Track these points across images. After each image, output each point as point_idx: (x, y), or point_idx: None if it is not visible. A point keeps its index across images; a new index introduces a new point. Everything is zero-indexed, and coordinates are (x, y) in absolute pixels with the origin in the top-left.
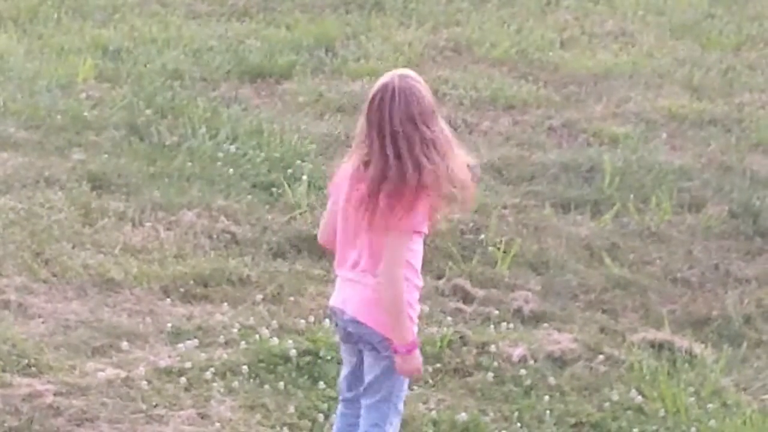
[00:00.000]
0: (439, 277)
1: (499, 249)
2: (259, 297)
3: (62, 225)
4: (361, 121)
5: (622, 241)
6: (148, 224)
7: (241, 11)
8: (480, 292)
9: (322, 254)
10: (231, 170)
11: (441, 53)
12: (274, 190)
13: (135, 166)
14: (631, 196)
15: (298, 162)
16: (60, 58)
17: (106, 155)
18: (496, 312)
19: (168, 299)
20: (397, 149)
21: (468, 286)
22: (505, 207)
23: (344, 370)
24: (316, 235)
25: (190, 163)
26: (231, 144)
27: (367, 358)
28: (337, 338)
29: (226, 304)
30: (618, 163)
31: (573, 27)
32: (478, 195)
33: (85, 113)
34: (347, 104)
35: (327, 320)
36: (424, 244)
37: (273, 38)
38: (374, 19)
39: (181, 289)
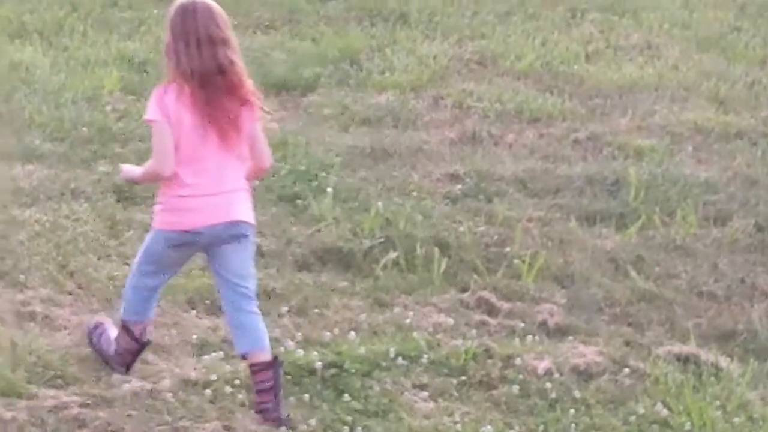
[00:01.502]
0: (464, 290)
1: (524, 262)
2: (284, 309)
3: (88, 237)
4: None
5: (647, 254)
6: None
7: (266, 24)
8: (505, 305)
9: (347, 266)
10: (256, 182)
11: (466, 66)
12: (299, 202)
13: None
14: (657, 209)
15: (323, 174)
16: (86, 70)
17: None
18: (522, 325)
19: (193, 311)
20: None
21: (493, 298)
22: (530, 220)
23: (173, 267)
24: (341, 248)
25: None
26: None
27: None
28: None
29: None
30: (643, 176)
31: (598, 40)
32: (503, 208)
33: (111, 125)
34: (372, 117)
35: (352, 332)
36: (448, 256)
37: (298, 51)
38: (399, 31)
39: (207, 301)
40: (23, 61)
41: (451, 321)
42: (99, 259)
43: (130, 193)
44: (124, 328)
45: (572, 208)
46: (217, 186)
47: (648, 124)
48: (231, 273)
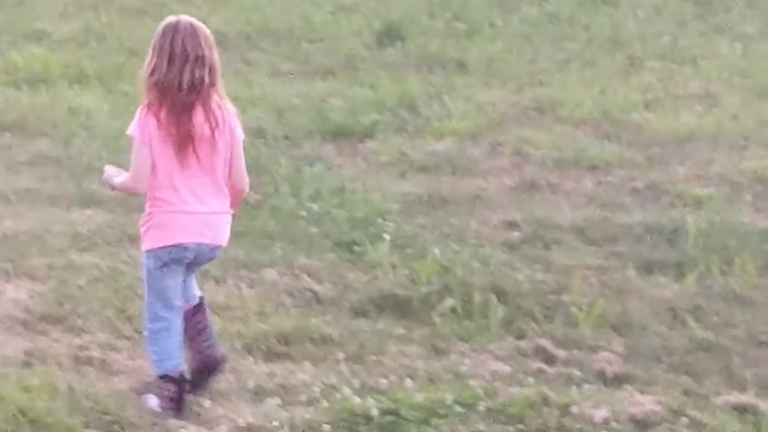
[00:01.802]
0: (521, 338)
1: (581, 310)
2: (341, 356)
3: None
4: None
5: (705, 303)
6: (230, 282)
7: (324, 70)
8: (562, 353)
9: (404, 313)
10: (313, 228)
11: (524, 113)
12: (356, 248)
13: None
14: (715, 257)
15: (380, 221)
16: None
17: None
18: (579, 373)
19: (250, 357)
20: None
21: (550, 346)
22: (588, 268)
23: (177, 292)
24: (398, 294)
25: (272, 221)
26: (314, 202)
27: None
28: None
29: (307, 362)
30: (702, 224)
31: (656, 88)
32: (561, 256)
33: None
34: (430, 164)
35: (409, 380)
36: (506, 304)
37: (356, 97)
38: (457, 78)
39: (263, 347)
40: (82, 106)
41: (508, 369)
42: None
43: None
44: (165, 380)
45: (630, 257)
46: (202, 206)
47: (706, 172)
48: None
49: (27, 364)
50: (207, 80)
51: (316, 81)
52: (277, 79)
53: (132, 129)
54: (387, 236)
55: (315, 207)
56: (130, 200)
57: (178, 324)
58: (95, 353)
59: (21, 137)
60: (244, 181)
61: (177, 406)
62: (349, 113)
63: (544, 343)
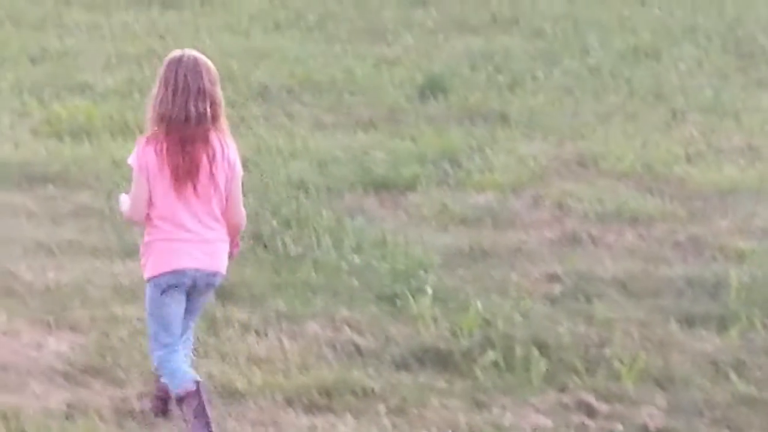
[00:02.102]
0: (563, 391)
1: (623, 363)
2: (383, 409)
3: None
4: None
5: (748, 357)
6: (272, 334)
7: (366, 123)
8: (604, 407)
9: (446, 366)
10: (355, 281)
11: (566, 166)
12: (398, 301)
13: (260, 276)
14: (758, 311)
15: (422, 273)
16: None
17: (231, 266)
18: (621, 427)
19: (292, 410)
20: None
21: (592, 400)
22: (629, 321)
23: (178, 319)
24: (440, 347)
25: (314, 274)
26: (355, 255)
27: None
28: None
29: (349, 415)
30: (744, 278)
31: (699, 141)
32: (603, 309)
33: None
34: (471, 216)
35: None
36: (547, 357)
37: (398, 150)
38: (499, 131)
39: (305, 400)
40: (125, 158)
41: (550, 422)
42: (198, 357)
43: (229, 291)
44: (183, 398)
45: (672, 310)
46: (197, 233)
47: (749, 226)
48: (192, 317)
49: (69, 416)
50: (209, 113)
51: (358, 133)
52: (320, 131)
53: (132, 159)
54: (429, 289)
55: (357, 259)
56: None
57: (179, 348)
58: (136, 405)
59: (64, 189)
60: (241, 215)
61: (203, 415)
62: (390, 166)
63: (587, 396)
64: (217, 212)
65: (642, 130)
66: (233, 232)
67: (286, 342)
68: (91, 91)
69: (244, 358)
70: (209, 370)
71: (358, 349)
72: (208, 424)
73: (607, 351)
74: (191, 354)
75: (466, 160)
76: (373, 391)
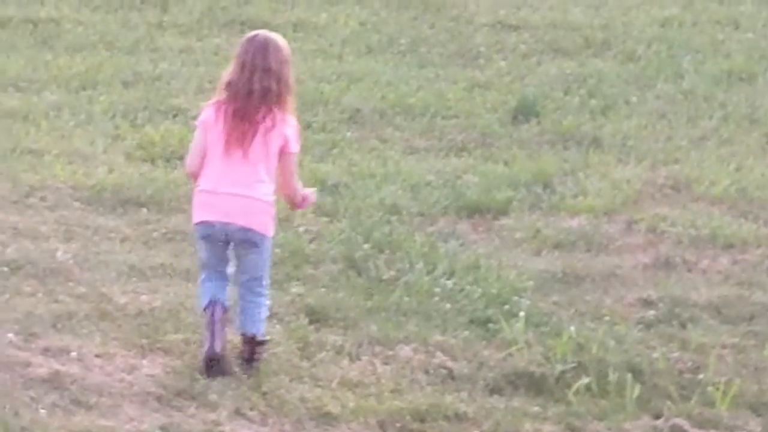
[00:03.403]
0: (657, 417)
1: (718, 389)
2: None
3: (280, 358)
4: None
5: None
6: (365, 358)
7: (458, 147)
8: None
9: (539, 391)
10: (448, 305)
11: (659, 191)
12: (491, 326)
13: (353, 300)
14: None
15: (515, 298)
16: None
17: (324, 289)
18: None
19: None
20: None
21: (687, 426)
22: (724, 347)
23: (214, 261)
24: (533, 372)
25: (407, 298)
26: (448, 279)
27: None
28: None
29: None
30: None
31: None
32: (697, 335)
33: (304, 247)
34: (565, 241)
35: None
36: (641, 382)
37: (490, 174)
38: (592, 155)
39: (398, 425)
40: None
41: None
42: (291, 380)
43: (322, 315)
44: (204, 312)
45: (767, 336)
46: (233, 188)
47: None
48: (243, 273)
49: None
50: (274, 90)
51: (450, 157)
52: (412, 155)
53: (198, 120)
54: (522, 313)
55: (449, 284)
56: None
57: (214, 279)
58: (227, 428)
59: (157, 213)
60: (293, 189)
61: (211, 331)
62: (483, 190)
63: (681, 422)
64: (264, 176)
65: (736, 154)
66: (288, 201)
67: (378, 366)
68: (183, 115)
69: (337, 382)
70: (302, 394)
71: (450, 373)
72: (212, 337)
73: (702, 376)
74: (257, 299)
75: (559, 184)
76: (466, 415)
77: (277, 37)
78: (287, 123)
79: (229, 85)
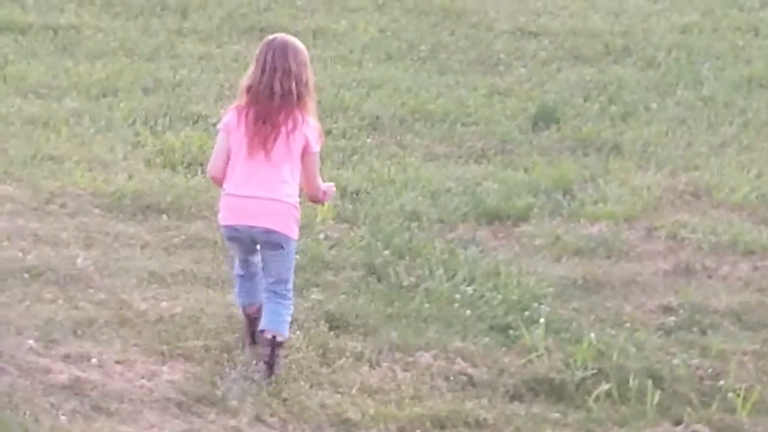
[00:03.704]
0: (678, 423)
1: (738, 395)
2: None
3: (300, 365)
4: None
5: None
6: (385, 365)
7: (478, 153)
8: None
9: (560, 398)
10: (468, 312)
11: (680, 197)
12: (511, 332)
13: (372, 306)
14: None
15: (536, 305)
16: (300, 199)
17: (344, 295)
18: None
19: None
20: None
21: None
22: (745, 353)
23: (243, 260)
24: (553, 379)
25: (427, 305)
26: (468, 286)
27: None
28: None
29: None
30: None
31: None
32: (717, 341)
33: (323, 253)
34: (585, 247)
35: None
36: (661, 389)
37: (510, 180)
38: (612, 162)
39: (418, 431)
40: None
41: None
42: (311, 386)
43: (342, 321)
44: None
45: None
46: (256, 191)
47: None
48: (269, 276)
49: None
50: (294, 91)
51: (470, 164)
52: (432, 162)
53: (220, 124)
54: (542, 320)
55: (469, 290)
56: None
57: (247, 279)
58: None
59: (177, 219)
60: (316, 188)
61: (248, 333)
62: (503, 197)
63: (701, 428)
64: (287, 176)
65: (757, 161)
66: (311, 200)
67: (398, 372)
68: (203, 121)
69: (357, 389)
70: (322, 400)
71: (471, 380)
72: (250, 336)
73: (722, 383)
74: (280, 300)
75: (579, 191)
76: (486, 421)
77: (296, 40)
78: (308, 124)
79: (249, 88)
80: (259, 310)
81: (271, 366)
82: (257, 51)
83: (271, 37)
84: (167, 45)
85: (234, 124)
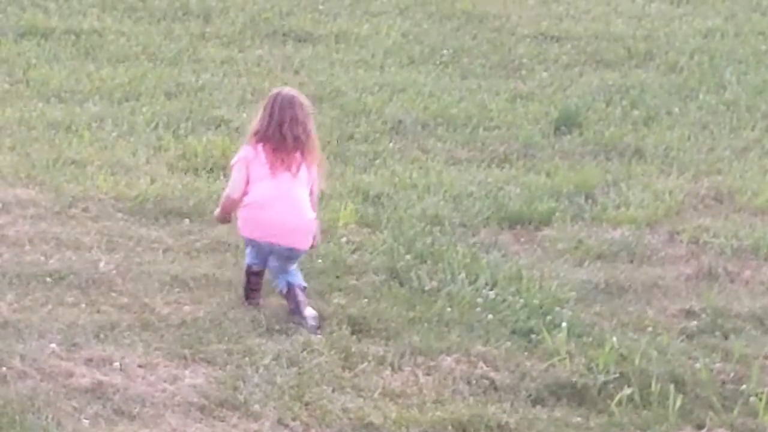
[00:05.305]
0: (700, 427)
1: (761, 399)
2: None
3: (322, 368)
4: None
5: None
6: (407, 369)
7: (500, 158)
8: None
9: (582, 402)
10: (490, 316)
11: (702, 201)
12: (533, 336)
13: (395, 310)
14: None
15: (558, 309)
16: (321, 203)
17: (366, 299)
18: None
19: None
20: None
21: None
22: (766, 357)
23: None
24: (575, 383)
25: (449, 309)
26: (490, 290)
27: None
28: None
29: None
30: None
31: None
32: (740, 345)
33: (346, 258)
34: (607, 251)
35: None
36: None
37: (532, 185)
38: (634, 166)
39: None
40: None
41: None
42: (333, 390)
43: (364, 325)
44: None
45: None
46: (279, 208)
47: None
48: (282, 271)
49: None
50: (303, 138)
51: (492, 168)
52: (454, 166)
53: (234, 160)
54: (564, 324)
55: (491, 294)
56: (308, 288)
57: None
58: None
59: (199, 223)
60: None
61: (247, 290)
62: (525, 201)
63: None
64: (307, 194)
65: None
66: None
67: (420, 376)
68: (226, 126)
69: (379, 393)
70: (344, 404)
71: (493, 384)
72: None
73: (744, 387)
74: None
75: (601, 195)
76: (508, 426)
77: (300, 94)
78: (309, 171)
79: (257, 133)
80: (263, 271)
81: (301, 311)
82: (264, 101)
83: (276, 90)
84: (190, 49)
85: (251, 155)
